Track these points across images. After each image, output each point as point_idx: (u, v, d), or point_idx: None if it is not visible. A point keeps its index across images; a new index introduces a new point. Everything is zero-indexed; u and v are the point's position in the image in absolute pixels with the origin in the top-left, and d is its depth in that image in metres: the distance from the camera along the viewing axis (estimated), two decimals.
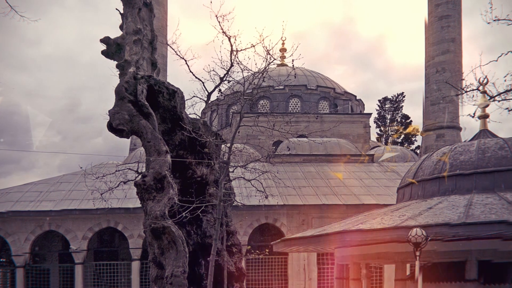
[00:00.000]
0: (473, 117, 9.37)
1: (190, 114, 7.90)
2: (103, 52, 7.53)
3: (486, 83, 8.86)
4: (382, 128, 38.34)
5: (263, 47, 7.00)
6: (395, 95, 39.14)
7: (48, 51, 53.69)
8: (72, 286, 16.50)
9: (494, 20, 6.96)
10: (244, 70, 7.38)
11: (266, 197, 8.03)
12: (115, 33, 7.49)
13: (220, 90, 8.16)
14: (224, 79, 7.69)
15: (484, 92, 9.00)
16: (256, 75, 7.39)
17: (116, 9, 7.57)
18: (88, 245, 16.33)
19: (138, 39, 7.15)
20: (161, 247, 6.56)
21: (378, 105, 39.57)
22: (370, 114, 26.06)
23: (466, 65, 25.64)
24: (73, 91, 53.66)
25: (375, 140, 32.82)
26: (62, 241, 17.11)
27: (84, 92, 55.29)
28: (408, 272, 8.89)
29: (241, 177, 8.00)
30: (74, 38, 54.93)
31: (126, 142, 27.38)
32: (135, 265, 16.22)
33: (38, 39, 53.46)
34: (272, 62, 7.24)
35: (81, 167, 8.47)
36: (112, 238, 18.25)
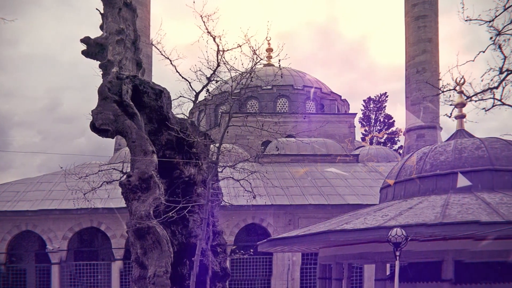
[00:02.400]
0: (450, 117, 9.50)
1: (177, 114, 7.84)
2: (83, 52, 7.37)
3: (463, 83, 8.99)
4: (367, 128, 38.85)
5: (250, 47, 7.03)
6: (378, 95, 39.76)
7: (26, 51, 51.69)
8: (49, 286, 16.08)
9: (466, 20, 7.09)
10: (231, 70, 7.38)
11: (254, 197, 8.02)
12: (95, 32, 7.35)
13: (207, 90, 8.13)
14: (212, 79, 7.67)
15: (461, 92, 9.15)
16: (243, 75, 7.40)
17: (97, 9, 7.44)
18: (68, 245, 15.94)
19: (121, 39, 7.03)
20: (144, 247, 6.51)
21: (363, 105, 40.13)
22: (355, 114, 26.49)
23: (444, 65, 26.12)
24: (53, 91, 51.97)
25: (360, 140, 33.36)
26: (39, 241, 16.66)
27: (66, 92, 53.61)
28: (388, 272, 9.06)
29: (230, 177, 7.98)
30: (52, 38, 53.18)
31: (110, 142, 26.71)
32: (116, 266, 15.96)
33: (15, 39, 51.37)
34: (258, 62, 7.27)
35: (61, 167, 8.25)
36: (93, 238, 17.88)
